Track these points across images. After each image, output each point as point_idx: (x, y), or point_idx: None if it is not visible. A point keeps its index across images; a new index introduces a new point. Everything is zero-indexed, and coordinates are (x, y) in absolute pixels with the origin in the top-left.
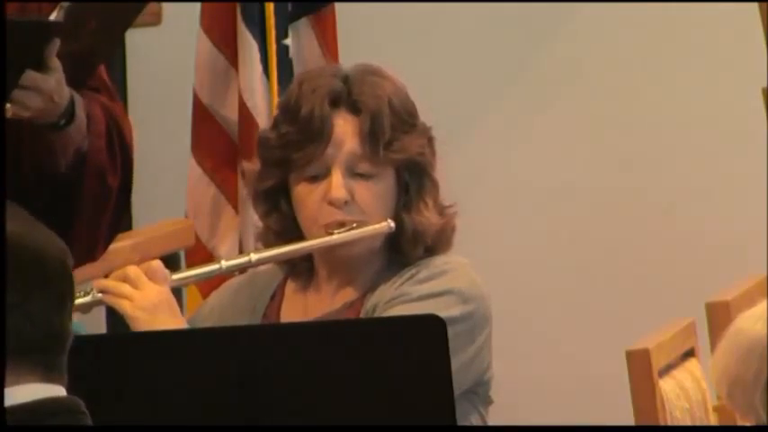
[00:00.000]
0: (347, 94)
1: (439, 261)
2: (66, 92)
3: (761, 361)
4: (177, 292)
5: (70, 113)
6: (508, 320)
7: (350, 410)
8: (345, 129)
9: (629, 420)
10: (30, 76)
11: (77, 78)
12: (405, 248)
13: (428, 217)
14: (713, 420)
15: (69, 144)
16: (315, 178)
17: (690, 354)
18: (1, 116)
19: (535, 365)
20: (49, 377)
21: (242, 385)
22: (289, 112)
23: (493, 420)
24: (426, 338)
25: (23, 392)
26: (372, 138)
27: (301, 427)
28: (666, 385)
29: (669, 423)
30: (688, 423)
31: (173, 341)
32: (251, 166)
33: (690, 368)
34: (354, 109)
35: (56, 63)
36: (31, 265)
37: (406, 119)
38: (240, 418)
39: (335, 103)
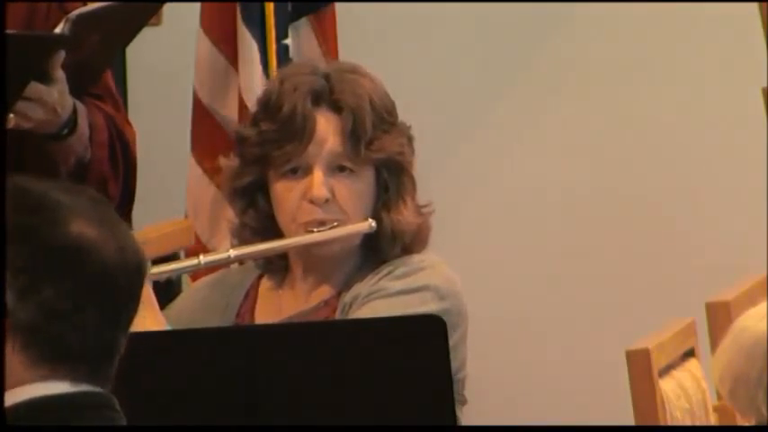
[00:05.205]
0: (329, 93)
1: (416, 258)
2: (69, 102)
3: (764, 359)
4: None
5: (72, 123)
6: (508, 321)
7: (349, 410)
8: (327, 127)
9: (629, 420)
10: (33, 87)
11: (80, 86)
12: (382, 247)
13: (407, 216)
14: (713, 420)
15: (70, 153)
16: (295, 176)
17: (690, 354)
18: (2, 124)
19: (535, 365)
20: (87, 380)
21: (241, 385)
22: (269, 110)
23: (492, 420)
24: (426, 338)
25: (49, 389)
26: (354, 136)
27: (301, 426)
28: (666, 385)
29: (669, 423)
30: (688, 423)
31: (175, 341)
32: (228, 162)
33: (690, 368)
34: (336, 107)
35: (59, 74)
36: (92, 277)
37: (385, 117)
38: (240, 417)
39: (317, 101)
